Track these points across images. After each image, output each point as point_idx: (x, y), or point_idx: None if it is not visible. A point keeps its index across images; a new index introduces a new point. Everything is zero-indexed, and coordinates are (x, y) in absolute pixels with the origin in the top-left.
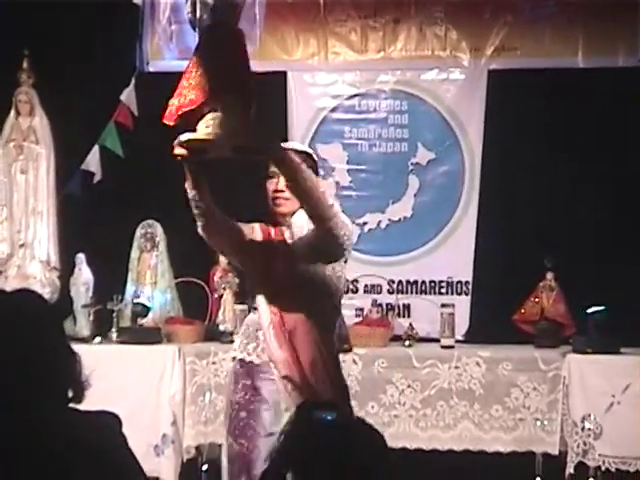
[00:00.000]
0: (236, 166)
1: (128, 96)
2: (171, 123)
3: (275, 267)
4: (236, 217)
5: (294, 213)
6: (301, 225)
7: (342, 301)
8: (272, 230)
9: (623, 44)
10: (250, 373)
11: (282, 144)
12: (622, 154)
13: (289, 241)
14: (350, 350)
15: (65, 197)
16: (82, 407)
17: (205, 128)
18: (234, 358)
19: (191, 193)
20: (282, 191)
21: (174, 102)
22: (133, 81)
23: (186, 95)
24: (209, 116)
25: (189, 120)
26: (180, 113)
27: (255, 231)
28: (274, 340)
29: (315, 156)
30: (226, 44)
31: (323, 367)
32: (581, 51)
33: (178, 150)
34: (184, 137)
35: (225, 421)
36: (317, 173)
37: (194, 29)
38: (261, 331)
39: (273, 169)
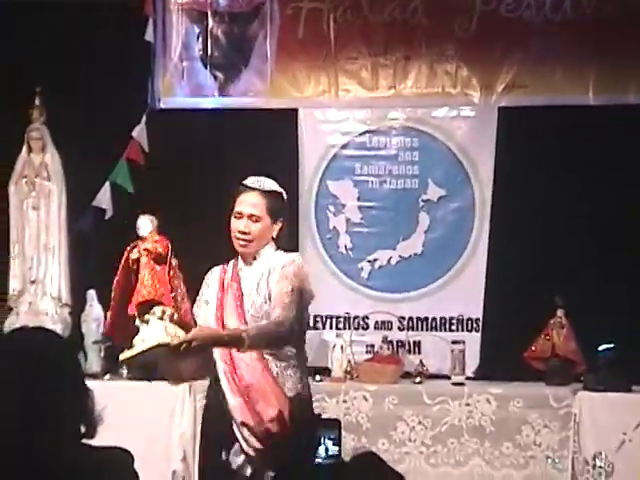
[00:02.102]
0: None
1: (139, 132)
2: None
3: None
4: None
5: (257, 252)
6: (266, 264)
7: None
8: (228, 276)
9: (634, 81)
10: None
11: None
12: (633, 191)
13: (245, 295)
14: None
15: (77, 233)
16: (94, 443)
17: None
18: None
19: None
20: (246, 233)
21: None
22: (144, 118)
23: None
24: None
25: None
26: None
27: (211, 282)
28: (227, 387)
29: (284, 195)
30: None
31: (281, 411)
32: (592, 88)
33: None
34: (122, 357)
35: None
36: (282, 215)
37: (205, 66)
38: None
39: (239, 209)
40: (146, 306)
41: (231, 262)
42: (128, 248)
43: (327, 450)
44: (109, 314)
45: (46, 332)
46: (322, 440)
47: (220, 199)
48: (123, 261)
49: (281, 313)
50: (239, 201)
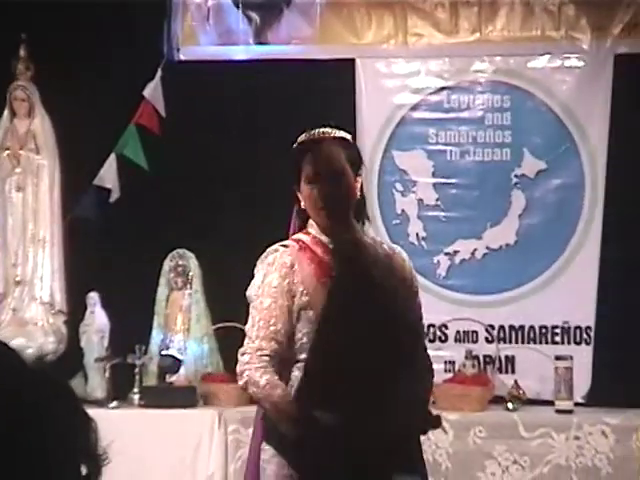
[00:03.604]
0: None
1: (153, 91)
2: None
3: None
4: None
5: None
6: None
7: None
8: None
9: None
10: None
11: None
12: None
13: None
14: None
15: (74, 221)
16: None
17: None
18: None
19: None
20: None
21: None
22: (159, 72)
23: None
24: None
25: None
26: None
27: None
28: None
29: (352, 141)
30: None
31: None
32: None
33: None
34: None
35: None
36: (360, 163)
37: (237, 6)
38: None
39: (312, 168)
40: None
41: (301, 237)
42: None
43: None
44: None
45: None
46: None
47: (255, 173)
48: None
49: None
50: (308, 159)
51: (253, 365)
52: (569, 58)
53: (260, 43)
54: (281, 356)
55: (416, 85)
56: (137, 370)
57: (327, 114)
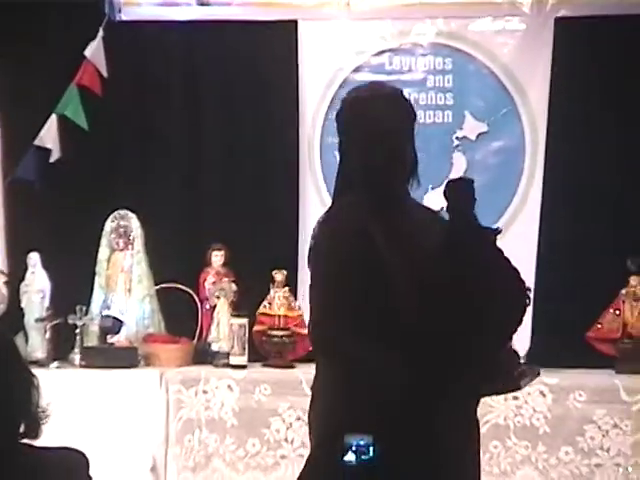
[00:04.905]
0: None
1: (94, 52)
2: None
3: None
4: None
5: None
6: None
7: None
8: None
9: None
10: None
11: None
12: None
13: None
14: None
15: (14, 181)
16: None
17: None
18: None
19: None
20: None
21: None
22: (101, 33)
23: None
24: None
25: None
26: None
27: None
28: None
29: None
30: None
31: None
32: None
33: None
34: None
35: None
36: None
37: None
38: None
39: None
40: None
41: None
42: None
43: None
44: None
45: None
46: None
47: (196, 133)
48: None
49: None
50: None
51: None
52: (510, 21)
53: (202, 4)
54: None
55: (358, 47)
56: (78, 331)
57: (269, 76)
